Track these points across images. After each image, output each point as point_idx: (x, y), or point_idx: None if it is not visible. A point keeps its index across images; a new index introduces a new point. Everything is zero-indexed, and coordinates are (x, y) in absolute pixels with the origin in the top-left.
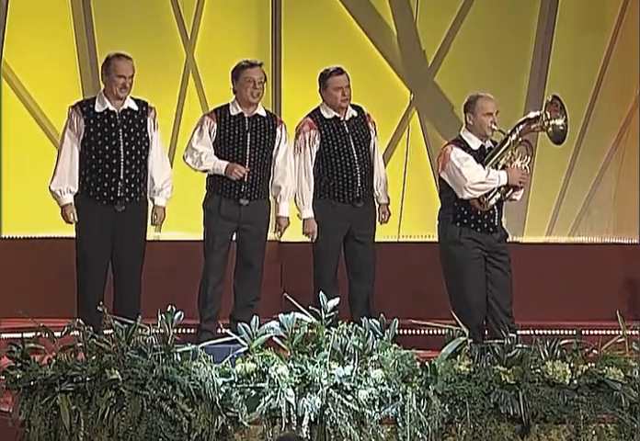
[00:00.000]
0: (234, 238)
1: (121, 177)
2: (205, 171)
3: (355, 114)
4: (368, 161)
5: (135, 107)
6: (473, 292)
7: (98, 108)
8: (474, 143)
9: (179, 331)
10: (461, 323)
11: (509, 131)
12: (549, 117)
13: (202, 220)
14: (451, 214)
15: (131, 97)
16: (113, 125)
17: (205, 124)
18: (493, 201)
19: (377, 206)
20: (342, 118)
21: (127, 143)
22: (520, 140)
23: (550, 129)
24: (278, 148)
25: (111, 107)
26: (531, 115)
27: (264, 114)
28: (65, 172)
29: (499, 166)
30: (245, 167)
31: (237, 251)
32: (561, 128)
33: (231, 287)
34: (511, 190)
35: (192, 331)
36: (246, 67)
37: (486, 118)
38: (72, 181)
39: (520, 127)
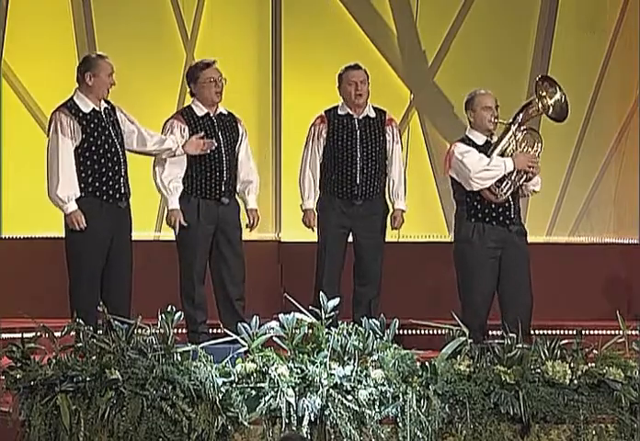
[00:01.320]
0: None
1: (122, 174)
2: (158, 190)
3: (373, 115)
4: (374, 161)
5: (108, 106)
6: (478, 293)
7: (85, 109)
8: (479, 140)
9: (179, 331)
10: (461, 323)
11: (510, 121)
12: (543, 96)
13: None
14: (465, 211)
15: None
16: (103, 124)
17: (176, 128)
18: (508, 192)
19: (390, 211)
20: (355, 116)
21: (118, 139)
22: (522, 128)
23: (550, 110)
24: (240, 144)
25: (97, 107)
26: (526, 101)
27: (225, 112)
28: (68, 177)
29: (506, 156)
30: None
31: (215, 252)
32: (561, 104)
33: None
34: (523, 177)
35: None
36: (204, 68)
37: (486, 112)
38: (75, 186)
39: (520, 115)
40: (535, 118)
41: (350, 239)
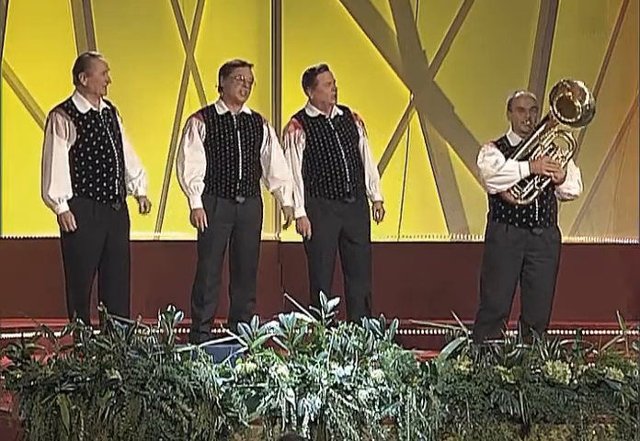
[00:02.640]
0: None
1: (117, 176)
2: (181, 189)
3: (341, 113)
4: (356, 158)
5: (107, 107)
6: (496, 290)
7: (82, 110)
8: (514, 141)
9: (179, 331)
10: (461, 324)
11: (536, 125)
12: (571, 97)
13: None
14: (492, 211)
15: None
16: (100, 125)
17: (194, 125)
18: (531, 195)
19: (371, 205)
20: (327, 116)
21: (115, 141)
22: (549, 131)
23: (579, 115)
24: (268, 143)
25: (94, 108)
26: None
27: (249, 112)
28: (61, 178)
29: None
30: (206, 223)
31: (232, 251)
32: (587, 107)
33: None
34: (546, 181)
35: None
36: (238, 65)
37: (519, 114)
38: (67, 187)
39: (546, 122)
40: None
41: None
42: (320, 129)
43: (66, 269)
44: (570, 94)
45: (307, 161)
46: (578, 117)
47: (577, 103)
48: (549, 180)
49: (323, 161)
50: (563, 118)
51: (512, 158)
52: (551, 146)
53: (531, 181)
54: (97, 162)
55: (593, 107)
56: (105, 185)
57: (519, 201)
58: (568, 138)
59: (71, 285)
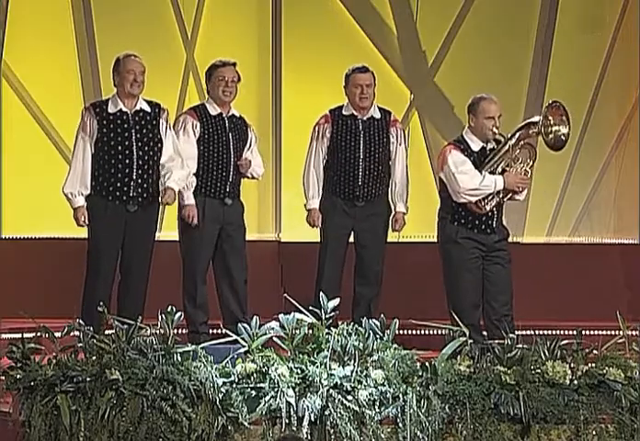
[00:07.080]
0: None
1: (134, 177)
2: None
3: (378, 116)
4: (377, 163)
5: (148, 109)
6: (468, 292)
7: (111, 109)
8: (476, 145)
9: (179, 331)
10: (460, 323)
11: (509, 135)
12: (551, 122)
13: (182, 222)
14: (449, 213)
15: (144, 99)
16: (126, 126)
17: (189, 123)
18: (491, 204)
19: (393, 213)
20: (359, 117)
21: (139, 144)
22: (520, 143)
23: (551, 135)
24: (250, 148)
25: (124, 109)
26: (534, 119)
27: (238, 115)
28: (77, 174)
29: (499, 170)
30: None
31: (220, 253)
32: (563, 136)
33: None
34: (509, 195)
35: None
36: (219, 66)
37: (488, 122)
38: (83, 183)
39: (520, 131)
40: None
41: (351, 239)
42: (347, 128)
43: (86, 266)
44: (553, 119)
45: (328, 157)
46: (548, 137)
47: (553, 128)
48: (512, 194)
49: (339, 160)
50: (548, 137)
51: (483, 169)
52: (519, 158)
53: (497, 194)
54: (112, 161)
55: (566, 138)
56: (119, 185)
57: (482, 211)
58: (534, 150)
59: (86, 282)
